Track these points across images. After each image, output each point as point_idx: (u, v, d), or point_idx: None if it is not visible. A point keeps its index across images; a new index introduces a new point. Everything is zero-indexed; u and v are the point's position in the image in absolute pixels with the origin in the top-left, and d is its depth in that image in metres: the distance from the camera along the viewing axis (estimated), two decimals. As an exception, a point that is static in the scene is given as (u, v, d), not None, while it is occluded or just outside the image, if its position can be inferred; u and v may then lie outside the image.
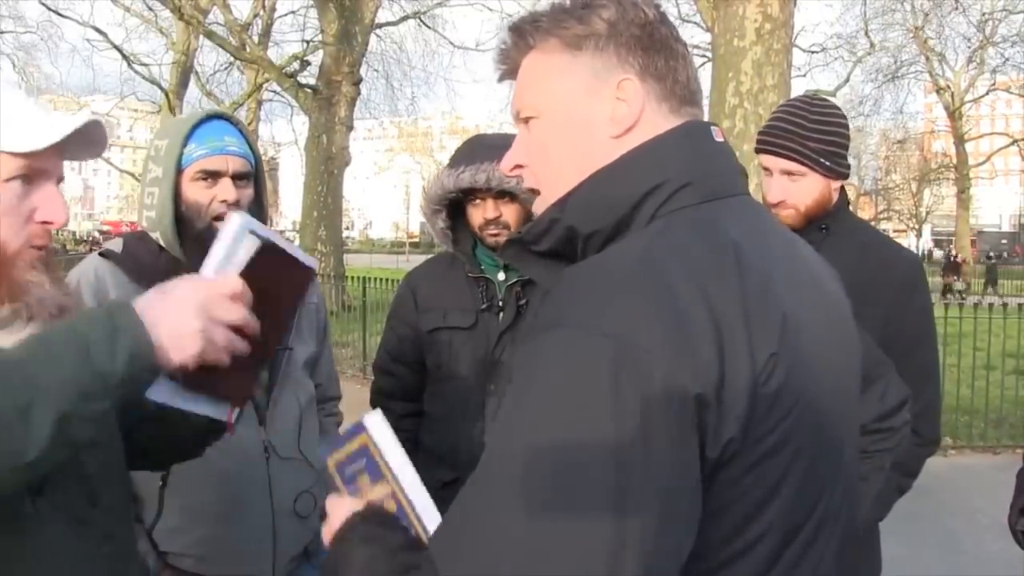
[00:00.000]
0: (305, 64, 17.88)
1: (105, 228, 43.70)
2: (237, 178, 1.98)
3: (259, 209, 2.06)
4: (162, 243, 1.97)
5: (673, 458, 0.85)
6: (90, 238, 36.67)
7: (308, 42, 18.85)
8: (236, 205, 1.95)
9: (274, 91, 22.50)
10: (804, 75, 28.67)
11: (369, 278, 11.27)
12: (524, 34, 1.11)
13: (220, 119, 2.02)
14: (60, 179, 1.30)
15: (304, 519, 2.06)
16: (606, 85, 1.05)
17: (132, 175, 33.99)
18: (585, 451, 0.83)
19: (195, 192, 1.95)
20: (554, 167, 1.09)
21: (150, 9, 21.98)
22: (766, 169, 2.20)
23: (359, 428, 1.12)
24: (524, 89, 1.12)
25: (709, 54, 10.42)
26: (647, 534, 0.83)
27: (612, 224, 1.02)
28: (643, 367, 0.84)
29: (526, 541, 0.83)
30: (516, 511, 0.84)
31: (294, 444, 2.06)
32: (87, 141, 1.28)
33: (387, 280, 10.89)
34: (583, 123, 1.07)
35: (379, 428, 1.10)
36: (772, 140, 2.16)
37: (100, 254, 2.01)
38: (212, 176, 1.95)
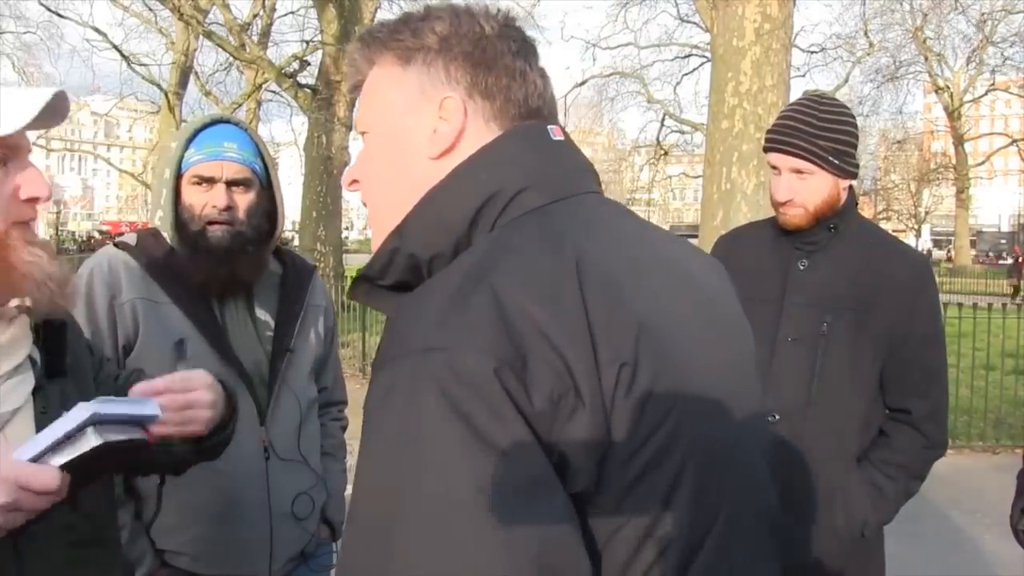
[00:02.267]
0: (304, 64, 17.86)
1: (104, 228, 43.68)
2: (234, 184, 1.99)
3: (271, 215, 2.07)
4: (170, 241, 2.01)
5: (522, 468, 0.78)
6: (89, 238, 36.60)
7: (307, 42, 18.87)
8: (228, 211, 1.97)
9: (273, 91, 22.50)
10: (803, 75, 28.67)
11: (369, 279, 11.25)
12: (367, 45, 1.06)
13: (226, 124, 2.04)
14: (28, 151, 1.32)
15: (302, 521, 2.06)
16: (430, 102, 1.00)
17: (132, 175, 34.05)
18: (438, 480, 0.76)
19: (191, 196, 1.98)
20: (376, 184, 1.05)
21: (150, 9, 22.04)
22: (774, 168, 2.19)
23: None
24: (360, 104, 1.07)
25: (708, 54, 10.42)
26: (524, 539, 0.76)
27: (452, 244, 0.95)
28: (474, 381, 0.77)
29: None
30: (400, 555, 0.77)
31: (294, 445, 2.05)
32: (50, 111, 1.28)
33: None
34: (403, 140, 1.01)
35: None
36: (781, 138, 2.15)
37: (115, 244, 2.04)
38: (207, 181, 1.97)
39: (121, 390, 1.55)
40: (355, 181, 1.08)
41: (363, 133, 1.06)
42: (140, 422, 1.25)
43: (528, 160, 0.98)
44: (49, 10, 21.84)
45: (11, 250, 1.24)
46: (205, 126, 2.01)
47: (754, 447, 1.03)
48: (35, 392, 1.31)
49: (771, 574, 1.02)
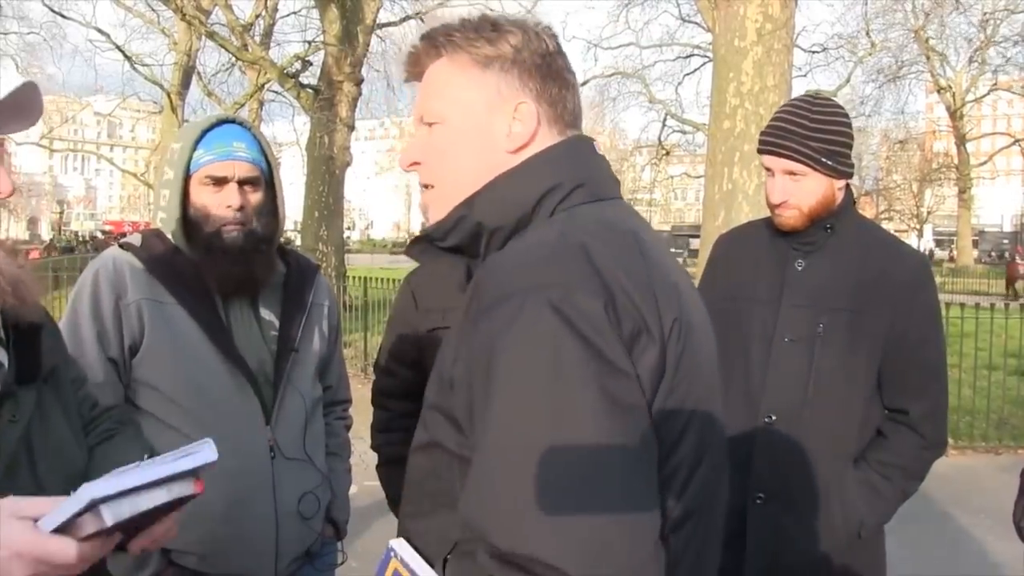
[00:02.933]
0: (307, 64, 17.86)
1: (107, 228, 43.72)
2: (244, 183, 2.00)
3: (274, 215, 2.08)
4: (175, 242, 2.01)
5: (630, 384, 1.01)
6: (92, 237, 36.63)
7: (310, 43, 18.82)
8: (241, 211, 1.98)
9: (276, 91, 22.51)
10: (805, 75, 28.70)
11: (370, 278, 11.27)
12: (437, 44, 1.22)
13: (232, 124, 2.05)
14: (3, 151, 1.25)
15: (308, 520, 2.07)
16: (506, 104, 1.19)
17: (134, 175, 34.05)
18: (570, 398, 0.98)
19: (202, 196, 1.99)
20: (451, 169, 1.21)
21: (152, 10, 22.06)
22: (768, 169, 2.20)
23: (388, 554, 1.17)
24: (431, 96, 1.23)
25: (710, 54, 10.39)
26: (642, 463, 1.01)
27: (515, 220, 1.16)
28: (588, 311, 1.00)
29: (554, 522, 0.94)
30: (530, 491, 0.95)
31: (300, 445, 2.06)
32: (20, 109, 1.23)
33: (388, 280, 10.89)
34: (484, 135, 1.20)
35: (407, 551, 1.16)
36: (773, 140, 2.16)
37: (119, 245, 2.04)
38: (219, 181, 1.98)
39: (96, 420, 1.52)
40: (415, 163, 1.25)
41: (431, 124, 1.22)
42: (193, 472, 1.20)
43: (582, 164, 1.21)
44: (52, 11, 21.91)
45: None
46: (212, 126, 2.02)
47: (720, 420, 1.25)
48: (2, 399, 1.24)
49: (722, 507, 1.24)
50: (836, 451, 2.11)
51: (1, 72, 1.27)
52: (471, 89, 1.19)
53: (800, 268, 2.17)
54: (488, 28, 1.20)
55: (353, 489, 2.39)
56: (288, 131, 26.14)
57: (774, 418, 2.12)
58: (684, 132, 30.49)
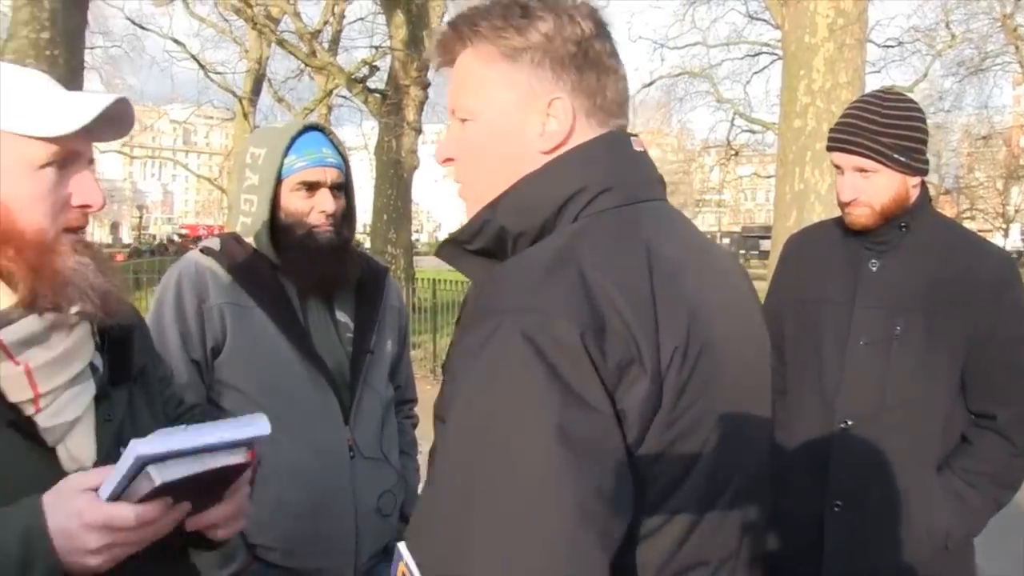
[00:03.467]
0: (374, 69, 18.11)
1: (183, 231, 44.98)
2: (333, 188, 2.05)
3: (349, 218, 2.12)
4: (255, 246, 2.05)
5: (597, 420, 0.92)
6: (169, 241, 37.71)
7: (376, 48, 19.09)
8: (333, 216, 2.03)
9: (344, 96, 22.82)
10: (879, 71, 27.91)
11: (439, 280, 11.34)
12: (462, 35, 1.14)
13: (317, 131, 2.09)
14: (91, 161, 1.30)
15: (386, 517, 2.11)
16: (539, 100, 1.11)
17: (208, 180, 34.95)
18: (522, 429, 0.91)
19: (294, 202, 2.03)
20: (482, 170, 1.16)
21: (225, 20, 22.64)
22: (838, 167, 2.15)
23: (397, 556, 1.15)
24: (460, 90, 1.16)
25: (779, 52, 10.22)
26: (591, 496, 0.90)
27: (538, 225, 1.09)
28: (562, 341, 0.92)
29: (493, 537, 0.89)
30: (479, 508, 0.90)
31: (376, 444, 2.11)
32: (114, 120, 1.28)
33: (457, 281, 10.95)
34: (515, 135, 1.12)
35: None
36: (842, 137, 2.11)
37: (200, 250, 2.09)
38: (311, 187, 2.03)
39: (181, 417, 1.55)
40: (450, 159, 1.20)
41: (463, 120, 1.16)
42: (247, 443, 1.21)
43: (612, 165, 1.11)
44: (134, 23, 22.71)
45: (57, 256, 1.23)
46: (300, 133, 2.06)
47: (763, 438, 1.17)
48: (99, 400, 1.30)
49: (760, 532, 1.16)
50: (917, 457, 2.04)
51: (90, 86, 1.30)
52: (500, 86, 1.12)
53: (874, 268, 2.12)
54: (517, 14, 1.11)
55: (420, 488, 2.41)
56: (356, 135, 26.55)
57: (851, 423, 2.06)
58: (753, 131, 29.98)
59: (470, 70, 1.14)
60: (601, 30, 1.13)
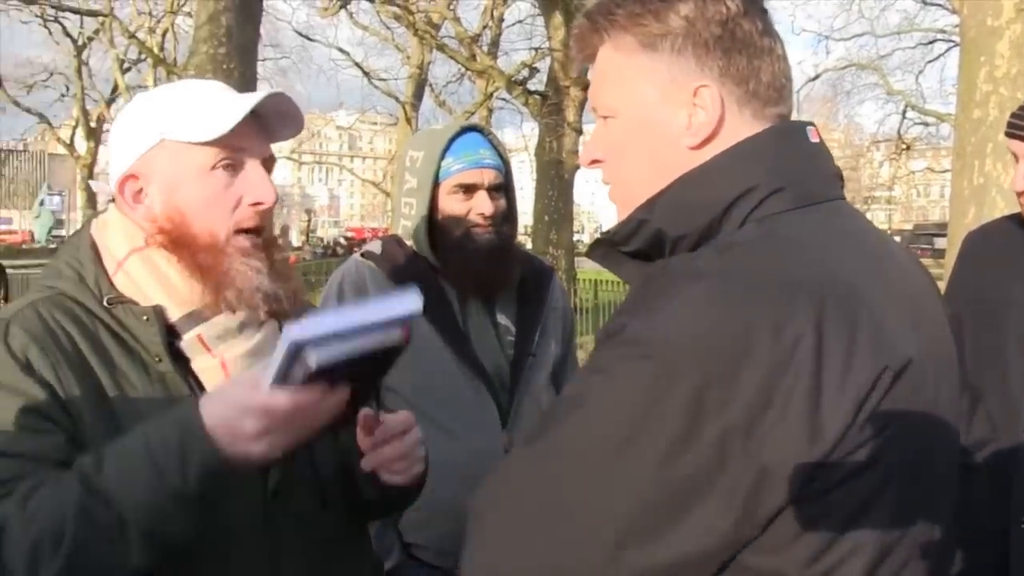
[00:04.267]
0: (533, 71, 18.32)
1: (349, 234, 46.84)
2: (491, 190, 2.05)
3: (509, 219, 2.12)
4: (416, 249, 2.08)
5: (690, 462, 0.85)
6: (336, 243, 39.40)
7: (536, 50, 19.30)
8: (491, 217, 2.02)
9: (504, 99, 23.15)
10: (1072, 55, 25.86)
11: (600, 280, 11.35)
12: (599, 28, 1.06)
13: (474, 132, 2.10)
14: (268, 160, 1.34)
15: None
16: (682, 91, 1.01)
17: (373, 184, 36.34)
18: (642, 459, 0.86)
19: (452, 205, 2.04)
20: (628, 169, 1.07)
21: (387, 27, 23.48)
22: (1015, 155, 2.01)
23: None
24: (600, 87, 1.08)
25: (956, 38, 9.65)
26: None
27: (701, 228, 0.99)
28: (684, 381, 0.84)
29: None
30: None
31: None
32: (284, 118, 1.32)
33: (618, 283, 10.95)
34: (660, 130, 1.03)
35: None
36: (1019, 123, 1.98)
37: (361, 255, 2.14)
38: (468, 189, 2.03)
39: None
40: (596, 160, 1.11)
41: (605, 117, 1.08)
42: (400, 321, 1.12)
43: (786, 161, 1.00)
44: (301, 35, 24.03)
45: (227, 257, 1.28)
46: (457, 135, 2.06)
47: (952, 470, 1.04)
48: None
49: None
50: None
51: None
52: (640, 79, 1.03)
53: None
54: None
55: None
56: (516, 137, 26.96)
57: None
58: (926, 124, 28.42)
59: (609, 64, 1.06)
60: (750, 6, 1.02)
